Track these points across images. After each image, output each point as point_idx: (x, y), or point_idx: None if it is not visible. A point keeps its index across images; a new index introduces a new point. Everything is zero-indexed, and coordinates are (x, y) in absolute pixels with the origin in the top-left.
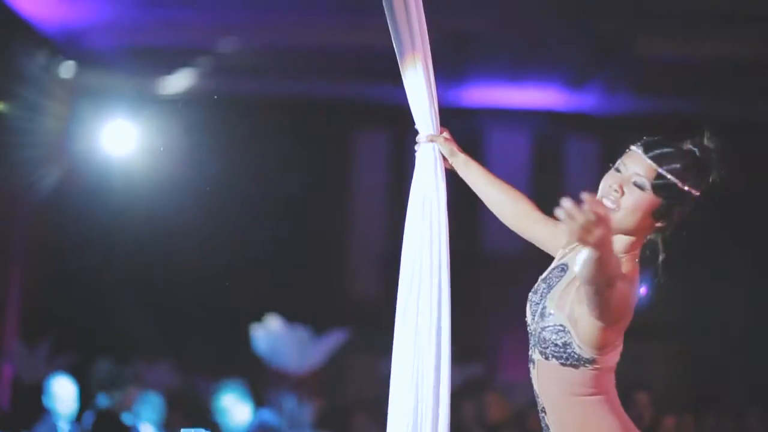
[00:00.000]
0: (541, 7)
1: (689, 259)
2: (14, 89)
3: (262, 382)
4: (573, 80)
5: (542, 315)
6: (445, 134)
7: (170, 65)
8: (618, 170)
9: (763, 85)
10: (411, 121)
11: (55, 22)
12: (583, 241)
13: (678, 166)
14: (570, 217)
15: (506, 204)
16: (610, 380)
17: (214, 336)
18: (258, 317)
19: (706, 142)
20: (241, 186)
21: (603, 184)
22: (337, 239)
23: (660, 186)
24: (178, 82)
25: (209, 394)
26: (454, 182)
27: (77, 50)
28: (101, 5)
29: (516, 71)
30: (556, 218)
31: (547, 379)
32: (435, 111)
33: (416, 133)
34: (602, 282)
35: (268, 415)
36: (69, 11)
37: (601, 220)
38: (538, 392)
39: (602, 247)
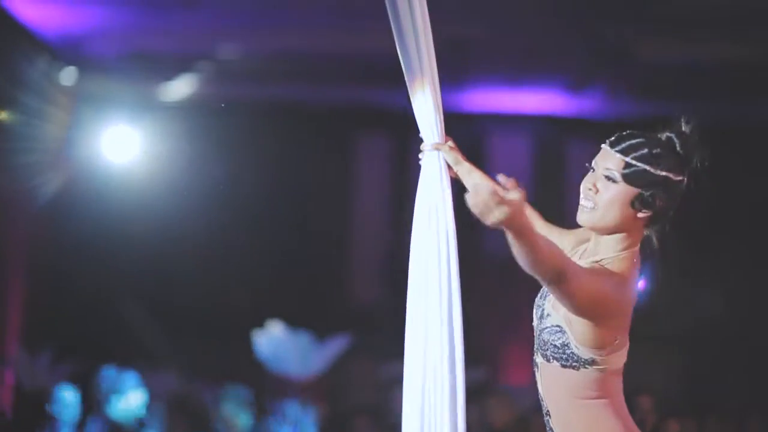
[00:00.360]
0: (541, 12)
1: (692, 263)
2: (15, 95)
3: (265, 388)
4: (574, 84)
5: (542, 317)
6: (450, 143)
7: (172, 71)
8: (593, 169)
9: (764, 87)
10: (415, 126)
11: (56, 29)
12: (483, 218)
13: (645, 151)
14: (474, 191)
15: None
16: (615, 384)
17: (217, 343)
18: (260, 323)
19: (683, 127)
20: (243, 192)
21: (582, 186)
22: (339, 245)
23: (630, 174)
24: (180, 88)
25: (212, 400)
26: (457, 187)
27: (78, 56)
28: (102, 11)
29: (517, 76)
30: (558, 225)
31: (550, 382)
32: (440, 120)
33: (420, 138)
34: (545, 274)
35: (271, 422)
36: (70, 17)
37: (503, 201)
38: (542, 395)
39: (512, 232)
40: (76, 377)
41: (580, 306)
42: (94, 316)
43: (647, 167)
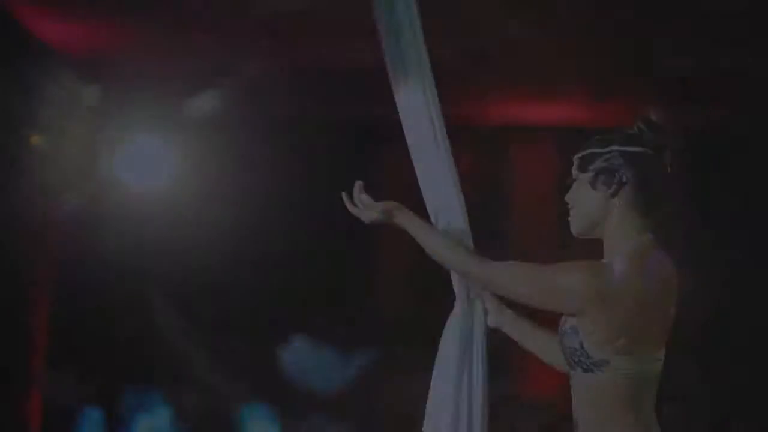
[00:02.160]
0: (566, 21)
1: (727, 268)
2: (39, 114)
3: (291, 403)
4: (599, 95)
5: (562, 323)
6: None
7: (197, 89)
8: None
9: None
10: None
11: (80, 48)
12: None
13: (593, 139)
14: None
15: (555, 354)
16: (642, 395)
17: (243, 358)
18: (286, 338)
19: (649, 115)
20: (269, 208)
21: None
22: (365, 258)
23: (582, 163)
24: (205, 105)
25: (238, 416)
26: (474, 193)
27: (102, 75)
28: (125, 30)
29: (541, 87)
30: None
31: (578, 391)
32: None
33: None
34: (459, 271)
35: None
36: (93, 36)
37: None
38: (574, 406)
39: (406, 227)
40: (101, 396)
41: (528, 297)
42: (119, 335)
43: (594, 149)
